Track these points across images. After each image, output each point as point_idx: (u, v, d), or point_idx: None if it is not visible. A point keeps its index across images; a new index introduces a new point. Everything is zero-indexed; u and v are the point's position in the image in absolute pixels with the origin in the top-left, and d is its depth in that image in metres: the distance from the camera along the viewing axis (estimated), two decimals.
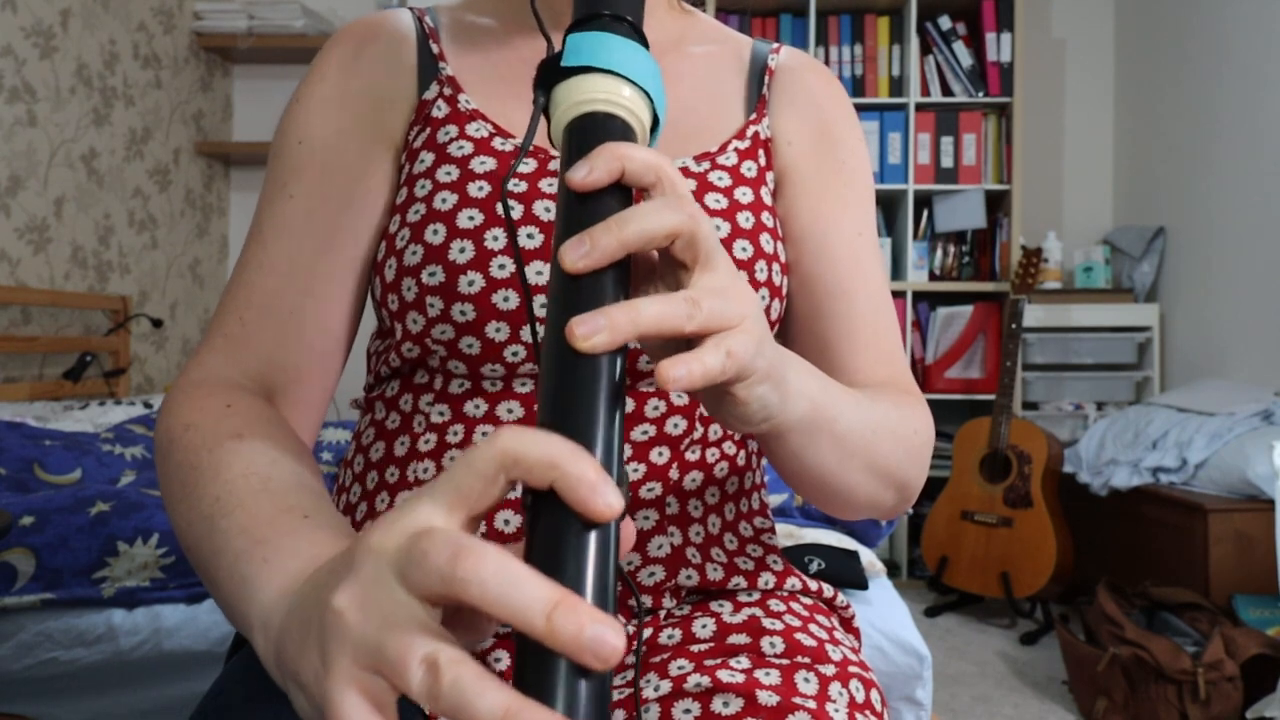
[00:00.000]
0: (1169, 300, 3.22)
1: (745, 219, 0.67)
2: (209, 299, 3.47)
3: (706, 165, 0.69)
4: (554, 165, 0.65)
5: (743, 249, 0.66)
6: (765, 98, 0.74)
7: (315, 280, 0.64)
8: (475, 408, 0.64)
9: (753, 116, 0.73)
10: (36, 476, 1.55)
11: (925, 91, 3.26)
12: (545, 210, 0.63)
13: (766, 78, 0.75)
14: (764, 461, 0.77)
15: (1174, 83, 3.22)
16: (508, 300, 0.61)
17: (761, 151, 0.72)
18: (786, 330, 0.74)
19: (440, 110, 0.68)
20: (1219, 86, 2.97)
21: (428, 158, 0.66)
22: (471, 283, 0.61)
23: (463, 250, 0.61)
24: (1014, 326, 2.85)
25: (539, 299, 0.62)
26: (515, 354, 0.62)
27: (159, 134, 3.16)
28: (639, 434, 0.64)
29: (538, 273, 0.62)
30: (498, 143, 0.66)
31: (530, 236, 0.63)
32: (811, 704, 0.58)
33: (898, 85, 3.27)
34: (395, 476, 0.65)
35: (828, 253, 0.71)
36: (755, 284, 0.66)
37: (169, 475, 0.54)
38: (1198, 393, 2.73)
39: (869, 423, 0.57)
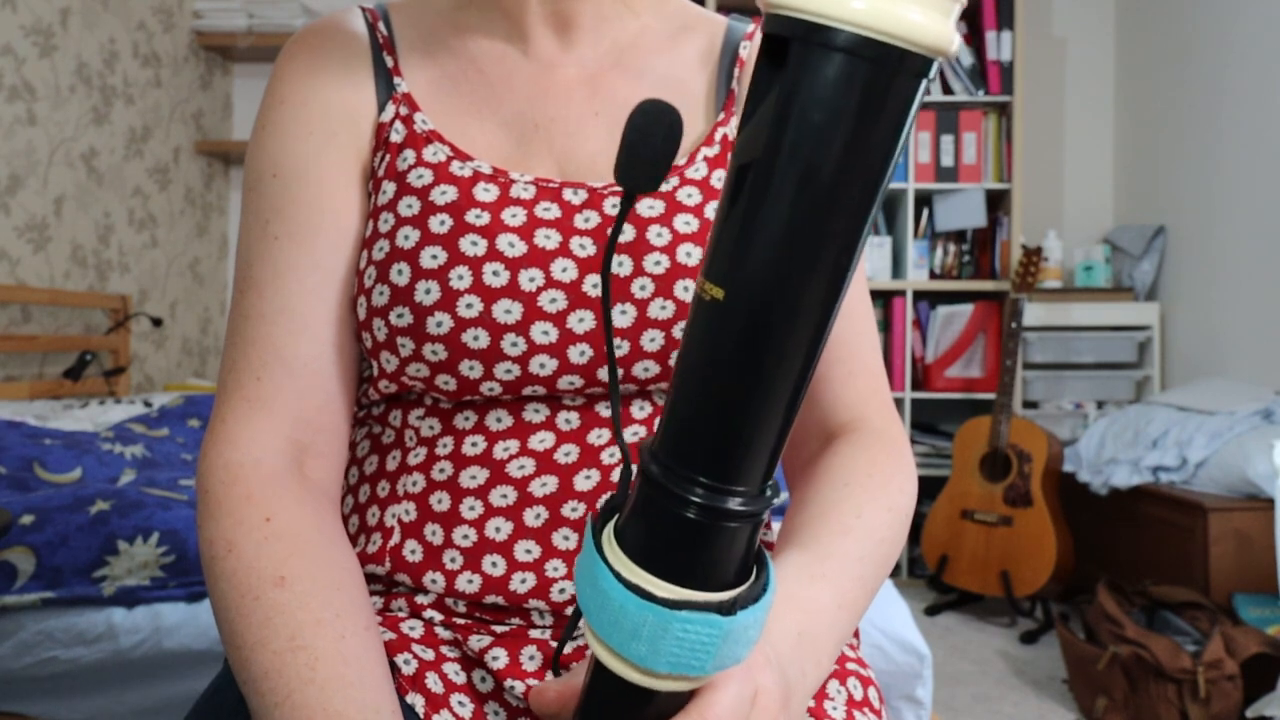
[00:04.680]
0: (1169, 299, 3.22)
1: None
2: (209, 298, 3.47)
3: (675, 181, 0.64)
4: (515, 191, 0.63)
5: None
6: (734, 93, 0.69)
7: (319, 325, 0.63)
8: (465, 420, 0.63)
9: (721, 117, 0.68)
10: (36, 475, 1.55)
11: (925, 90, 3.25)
12: (509, 245, 0.61)
13: (736, 70, 0.70)
14: None
15: (1175, 81, 3.22)
16: (478, 339, 0.60)
17: (730, 155, 0.69)
18: None
19: (398, 134, 0.66)
20: (1220, 85, 2.97)
21: (389, 188, 0.64)
22: (440, 323, 0.60)
23: (428, 291, 0.60)
24: (1014, 325, 2.85)
25: (512, 337, 0.60)
26: (492, 389, 0.61)
27: (159, 133, 3.16)
28: (628, 435, 0.63)
29: (506, 311, 0.60)
30: (455, 167, 0.64)
31: (496, 274, 0.60)
32: (810, 702, 0.58)
33: None
34: (386, 490, 0.65)
35: None
36: None
37: (216, 598, 0.55)
38: (1198, 391, 2.72)
39: (864, 599, 0.57)
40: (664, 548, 0.37)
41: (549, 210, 0.63)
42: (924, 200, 3.33)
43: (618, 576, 0.37)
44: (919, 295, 3.32)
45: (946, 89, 3.26)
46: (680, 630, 0.37)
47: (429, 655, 0.60)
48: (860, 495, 0.60)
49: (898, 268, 3.31)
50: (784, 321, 0.34)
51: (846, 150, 0.32)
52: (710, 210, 0.65)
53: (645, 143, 0.39)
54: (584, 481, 0.61)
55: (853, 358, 0.67)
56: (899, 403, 3.21)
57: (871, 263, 3.26)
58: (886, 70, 0.31)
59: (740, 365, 0.35)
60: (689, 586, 0.37)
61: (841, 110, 0.31)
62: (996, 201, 3.30)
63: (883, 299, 3.26)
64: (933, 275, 3.30)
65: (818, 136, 0.32)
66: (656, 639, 0.37)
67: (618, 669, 0.38)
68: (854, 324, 0.68)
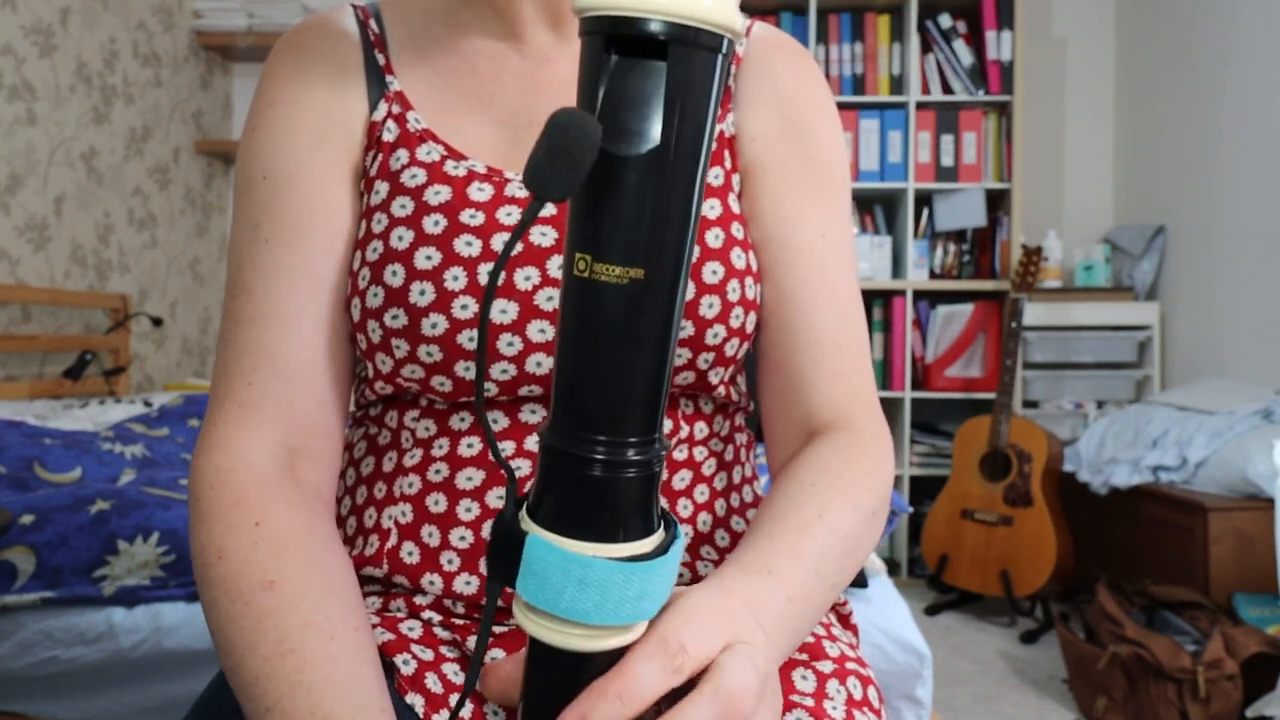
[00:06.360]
0: (1169, 299, 3.22)
1: (714, 237, 0.64)
2: (209, 297, 3.47)
3: None
4: (511, 190, 0.63)
5: (713, 272, 0.63)
6: (731, 90, 0.69)
7: (310, 329, 0.63)
8: (461, 421, 0.63)
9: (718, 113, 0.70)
10: (36, 475, 1.55)
11: (925, 90, 3.25)
12: (503, 243, 0.61)
13: (733, 67, 0.70)
14: (754, 455, 0.76)
15: (1175, 81, 3.22)
16: (473, 340, 0.59)
17: (727, 153, 0.68)
18: (754, 339, 0.71)
19: (390, 133, 0.65)
20: (1220, 85, 2.97)
21: (382, 188, 0.64)
22: (435, 325, 0.60)
23: (423, 293, 0.60)
24: (1014, 325, 2.84)
25: (505, 338, 0.60)
26: (488, 390, 0.61)
27: (159, 132, 3.16)
28: None
29: (501, 311, 0.60)
30: (450, 166, 0.64)
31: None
32: (809, 701, 0.58)
33: (898, 84, 3.27)
34: (382, 492, 0.65)
35: (789, 256, 0.67)
36: (727, 304, 0.63)
37: (207, 605, 0.55)
38: (1198, 391, 2.72)
39: (822, 591, 0.57)
40: (575, 509, 0.40)
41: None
42: (924, 200, 3.33)
43: (544, 544, 0.40)
44: (919, 295, 3.32)
45: (946, 88, 3.26)
46: (604, 579, 0.39)
47: (428, 656, 0.60)
48: (826, 494, 0.59)
49: (898, 267, 3.30)
50: (682, 285, 0.40)
51: (707, 128, 0.39)
52: (706, 208, 0.65)
53: (569, 151, 0.37)
54: None
55: (839, 358, 0.67)
56: (899, 403, 3.21)
57: (871, 262, 3.26)
58: (726, 58, 0.38)
59: (655, 332, 0.39)
60: (604, 541, 0.40)
61: (711, 94, 0.39)
62: (996, 201, 3.30)
63: (883, 299, 3.26)
64: (933, 275, 3.30)
65: (698, 118, 0.38)
66: (581, 595, 0.39)
67: (554, 640, 0.40)
68: (844, 326, 0.68)
